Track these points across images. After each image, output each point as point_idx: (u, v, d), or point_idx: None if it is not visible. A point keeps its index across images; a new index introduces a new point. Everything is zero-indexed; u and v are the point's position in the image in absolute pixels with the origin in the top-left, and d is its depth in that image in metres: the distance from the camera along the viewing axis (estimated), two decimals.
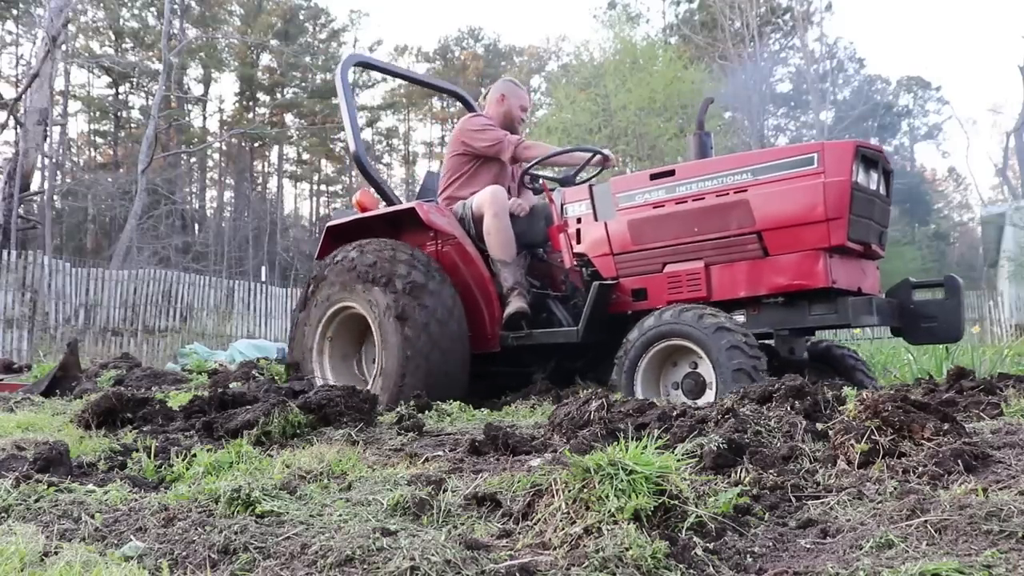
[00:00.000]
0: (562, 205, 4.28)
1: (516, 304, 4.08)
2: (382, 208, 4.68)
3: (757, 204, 3.61)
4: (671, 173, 3.93)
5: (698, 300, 3.69)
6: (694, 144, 4.10)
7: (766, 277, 3.60)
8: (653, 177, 3.99)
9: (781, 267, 3.57)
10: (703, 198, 3.77)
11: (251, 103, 42.49)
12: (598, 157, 4.38)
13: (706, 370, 3.49)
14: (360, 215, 4.60)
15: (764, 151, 3.86)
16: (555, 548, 1.46)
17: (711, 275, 3.74)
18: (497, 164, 4.61)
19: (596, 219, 4.13)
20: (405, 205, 4.48)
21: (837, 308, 3.51)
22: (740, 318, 3.60)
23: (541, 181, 4.68)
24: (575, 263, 4.20)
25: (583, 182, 4.53)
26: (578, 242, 4.18)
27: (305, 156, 43.74)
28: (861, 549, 1.41)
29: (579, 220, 4.19)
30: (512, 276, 4.18)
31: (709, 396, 3.44)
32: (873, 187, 3.66)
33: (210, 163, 41.06)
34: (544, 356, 4.33)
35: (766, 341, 3.83)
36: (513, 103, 4.69)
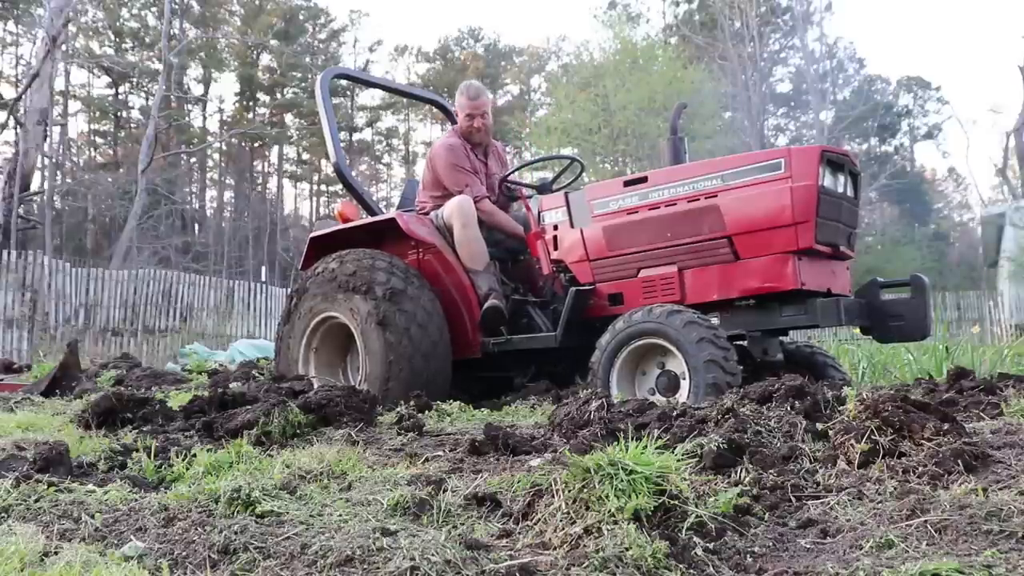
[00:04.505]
0: (539, 212, 4.37)
1: (491, 302, 4.16)
2: (363, 219, 4.72)
3: (727, 209, 3.68)
4: (644, 180, 4.00)
5: (672, 304, 3.73)
6: (668, 149, 4.14)
7: (737, 280, 3.67)
8: (626, 184, 4.06)
9: (751, 270, 3.64)
10: (675, 204, 3.84)
11: (251, 103, 42.49)
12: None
13: (676, 365, 3.55)
14: (342, 226, 4.63)
15: (733, 157, 3.92)
16: (555, 548, 1.46)
17: (684, 279, 3.81)
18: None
19: (572, 226, 4.20)
20: (385, 215, 4.54)
21: (807, 309, 3.58)
22: (714, 320, 3.65)
23: (518, 189, 4.71)
24: (553, 269, 4.29)
25: (559, 189, 4.61)
26: (555, 248, 4.26)
27: (305, 156, 43.74)
28: (861, 549, 1.41)
29: (556, 227, 4.27)
30: (486, 283, 4.26)
31: (684, 389, 3.50)
32: (840, 190, 3.73)
33: (210, 163, 41.08)
34: (524, 361, 4.39)
35: (740, 343, 3.88)
36: (462, 119, 4.69)
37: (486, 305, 4.15)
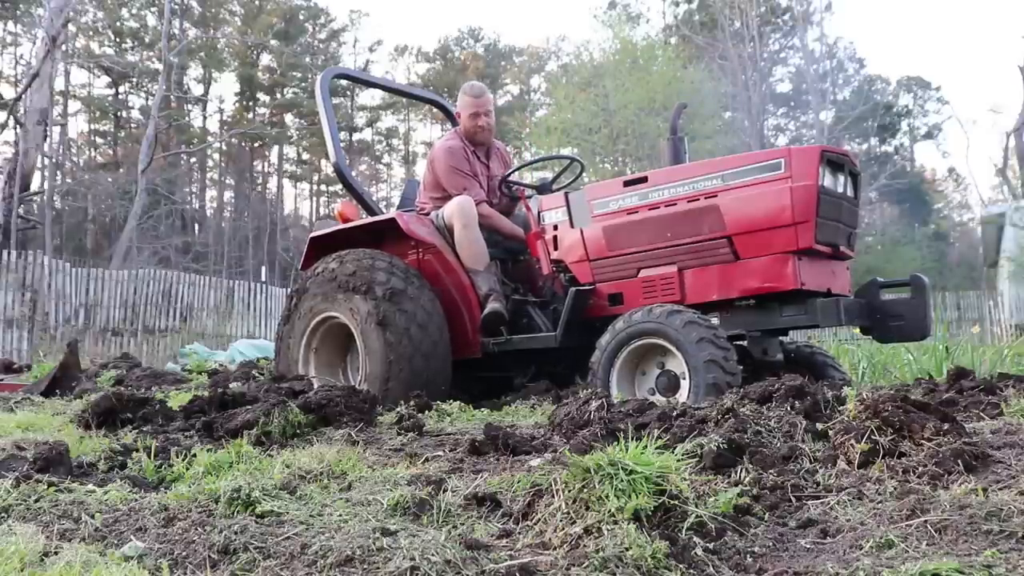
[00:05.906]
0: (539, 212, 4.38)
1: (491, 306, 4.15)
2: (363, 219, 4.72)
3: (727, 209, 3.69)
4: (644, 180, 4.01)
5: (672, 304, 3.73)
6: (668, 149, 4.15)
7: (737, 280, 3.68)
8: (626, 184, 4.07)
9: (751, 270, 3.64)
10: (675, 204, 3.85)
11: (251, 103, 42.48)
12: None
13: (676, 365, 3.55)
14: (342, 226, 4.64)
15: (733, 157, 3.92)
16: (555, 548, 1.46)
17: (684, 279, 3.82)
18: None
19: (572, 226, 4.20)
20: (385, 215, 4.55)
21: (807, 309, 3.59)
22: (714, 320, 3.65)
23: (518, 188, 4.72)
24: (553, 269, 4.29)
25: (559, 189, 4.61)
26: (555, 248, 4.27)
27: (305, 156, 43.73)
28: (861, 549, 1.41)
29: (556, 227, 4.28)
30: (486, 283, 4.25)
31: (684, 389, 3.50)
32: (840, 190, 3.73)
33: (210, 163, 41.07)
34: (524, 361, 4.39)
35: (740, 343, 3.88)
36: (465, 119, 4.69)
37: (487, 310, 4.15)
